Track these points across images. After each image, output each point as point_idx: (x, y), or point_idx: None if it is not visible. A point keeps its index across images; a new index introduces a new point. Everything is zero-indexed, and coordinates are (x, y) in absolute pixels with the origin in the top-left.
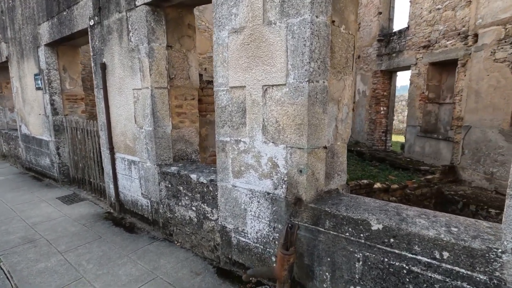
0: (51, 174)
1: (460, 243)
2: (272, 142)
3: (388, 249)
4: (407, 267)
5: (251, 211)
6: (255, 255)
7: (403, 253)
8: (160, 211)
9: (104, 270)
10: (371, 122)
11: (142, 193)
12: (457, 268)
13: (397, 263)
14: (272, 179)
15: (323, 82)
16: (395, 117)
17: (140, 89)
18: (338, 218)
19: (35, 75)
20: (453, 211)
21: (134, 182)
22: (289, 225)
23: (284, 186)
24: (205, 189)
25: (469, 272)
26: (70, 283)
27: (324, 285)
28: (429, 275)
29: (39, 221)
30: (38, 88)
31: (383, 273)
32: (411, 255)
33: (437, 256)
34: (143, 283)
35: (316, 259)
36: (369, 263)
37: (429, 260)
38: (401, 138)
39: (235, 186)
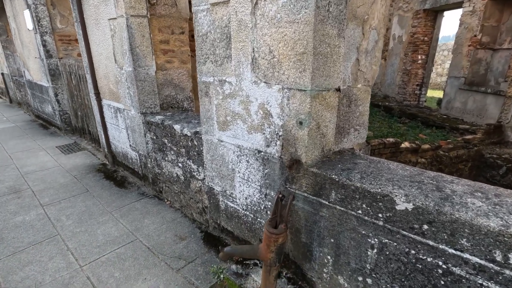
0: (55, 122)
1: None
2: (264, 82)
3: (419, 238)
4: (444, 266)
5: (239, 172)
6: (244, 224)
7: (441, 246)
8: (149, 165)
9: (82, 227)
10: (404, 73)
11: (130, 145)
12: None
13: (429, 259)
14: (264, 133)
15: None
16: (433, 69)
17: (115, 18)
18: (348, 190)
19: (25, 11)
20: (492, 177)
21: (122, 132)
22: (280, 195)
23: (278, 142)
24: (190, 143)
25: None
26: (43, 240)
27: (325, 270)
28: (480, 282)
29: (32, 170)
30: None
31: (406, 268)
32: (453, 251)
33: (498, 258)
34: (119, 246)
35: (316, 238)
36: (387, 253)
37: (483, 262)
38: (437, 93)
39: (221, 141)
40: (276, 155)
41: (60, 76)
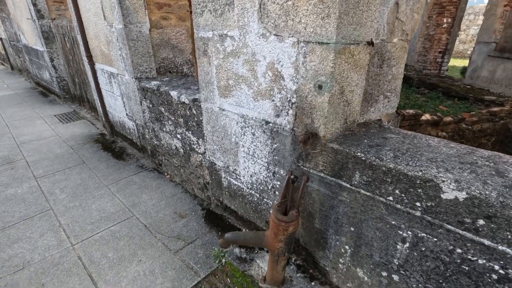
0: (54, 90)
1: None
2: (275, 35)
3: (469, 235)
4: (502, 272)
5: (243, 146)
6: (249, 203)
7: (500, 247)
8: (147, 136)
9: (76, 202)
10: (426, 39)
11: (127, 114)
12: None
13: (481, 261)
14: (273, 100)
15: None
16: (458, 35)
17: None
18: (378, 171)
19: None
20: None
21: (118, 100)
22: (292, 176)
23: (290, 111)
24: (188, 112)
25: None
26: (35, 215)
27: (341, 260)
28: None
29: (28, 139)
30: None
31: (447, 269)
32: None
33: None
34: (114, 223)
35: (333, 225)
36: (423, 249)
37: None
38: (458, 62)
39: (223, 110)
40: (288, 126)
41: (55, 39)
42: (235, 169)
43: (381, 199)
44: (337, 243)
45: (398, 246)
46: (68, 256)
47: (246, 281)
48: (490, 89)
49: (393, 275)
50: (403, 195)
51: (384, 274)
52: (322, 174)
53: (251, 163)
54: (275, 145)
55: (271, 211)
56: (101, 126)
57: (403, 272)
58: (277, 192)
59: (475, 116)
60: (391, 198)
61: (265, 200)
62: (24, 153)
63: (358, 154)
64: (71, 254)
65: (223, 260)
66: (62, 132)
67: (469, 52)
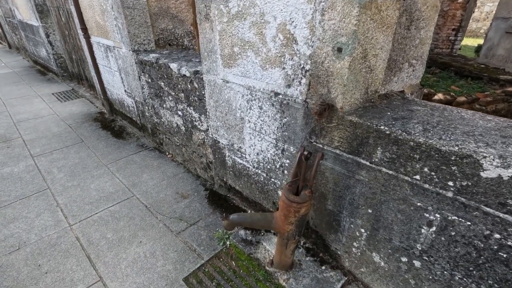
0: (52, 68)
1: None
2: None
3: (510, 218)
4: None
5: (249, 121)
6: (255, 183)
7: None
8: (146, 114)
9: (74, 181)
10: (440, 15)
11: (125, 91)
12: None
13: None
14: (284, 68)
15: None
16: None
17: None
18: (404, 147)
19: None
20: None
21: (115, 76)
22: (306, 153)
23: (303, 80)
24: (189, 86)
25: None
26: (32, 194)
27: (355, 244)
28: None
29: (25, 118)
30: None
31: (481, 255)
32: None
33: None
34: (113, 204)
35: (348, 206)
36: (453, 234)
37: None
38: (471, 41)
39: (227, 81)
40: (300, 98)
41: (49, 12)
42: (240, 147)
43: (406, 178)
44: (352, 226)
45: (423, 230)
46: (65, 237)
47: (252, 265)
48: (506, 68)
49: (414, 261)
50: (433, 173)
51: (404, 259)
52: (337, 151)
53: (258, 140)
54: (285, 120)
55: (281, 191)
56: (100, 105)
57: (427, 258)
58: (285, 171)
59: (490, 96)
60: (418, 177)
61: (272, 180)
62: (21, 131)
63: (382, 127)
64: (69, 235)
65: (228, 243)
66: (60, 111)
67: (482, 31)
